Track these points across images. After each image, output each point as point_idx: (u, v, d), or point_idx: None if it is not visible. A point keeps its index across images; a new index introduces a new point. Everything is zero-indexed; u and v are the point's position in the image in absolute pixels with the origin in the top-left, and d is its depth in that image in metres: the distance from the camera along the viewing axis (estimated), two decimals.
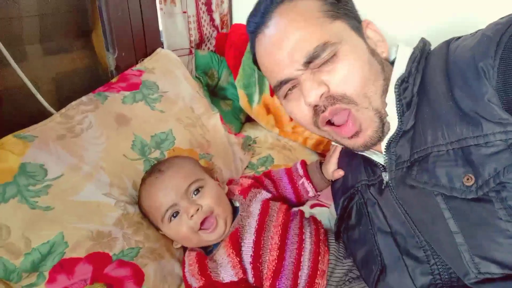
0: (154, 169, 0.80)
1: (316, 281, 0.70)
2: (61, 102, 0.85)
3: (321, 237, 0.76)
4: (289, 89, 0.65)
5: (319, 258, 0.72)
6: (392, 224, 0.64)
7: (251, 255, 0.71)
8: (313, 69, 0.60)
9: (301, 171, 0.86)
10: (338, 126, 0.62)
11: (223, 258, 0.72)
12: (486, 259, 0.50)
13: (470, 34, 0.59)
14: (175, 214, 0.74)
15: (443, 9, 1.06)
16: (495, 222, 0.49)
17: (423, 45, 0.66)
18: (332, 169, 0.81)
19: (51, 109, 0.84)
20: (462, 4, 1.03)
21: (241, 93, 1.31)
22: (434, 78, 0.59)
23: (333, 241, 0.78)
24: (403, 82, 0.61)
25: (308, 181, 0.84)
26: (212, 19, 1.38)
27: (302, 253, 0.72)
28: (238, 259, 0.70)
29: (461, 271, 0.53)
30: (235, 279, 0.69)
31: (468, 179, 0.51)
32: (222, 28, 1.44)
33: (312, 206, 1.06)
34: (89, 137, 0.81)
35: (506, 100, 0.50)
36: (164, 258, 0.77)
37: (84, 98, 0.87)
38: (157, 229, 0.80)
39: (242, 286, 0.69)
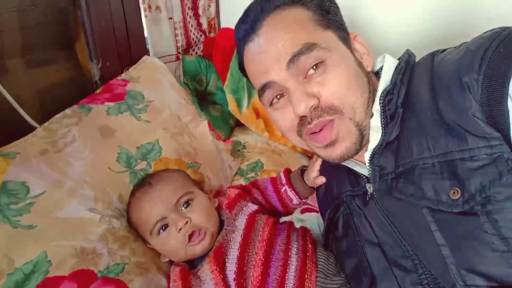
0: (144, 182, 0.79)
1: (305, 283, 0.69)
2: (46, 115, 0.85)
3: (308, 253, 0.75)
4: (276, 97, 0.64)
5: (306, 276, 0.71)
6: (378, 234, 0.64)
7: (234, 271, 0.70)
8: (300, 77, 0.60)
9: (283, 179, 0.85)
10: (315, 133, 0.62)
11: (206, 275, 0.71)
12: (472, 272, 0.50)
13: (455, 47, 0.59)
14: (164, 227, 0.74)
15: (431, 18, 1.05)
16: (481, 235, 0.49)
17: (408, 56, 0.66)
18: (314, 176, 0.80)
19: (34, 123, 0.83)
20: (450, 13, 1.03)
21: (229, 98, 1.30)
22: (419, 90, 0.59)
23: (322, 257, 0.76)
24: (388, 93, 0.60)
25: (291, 189, 0.83)
26: (199, 24, 1.37)
27: (288, 270, 0.71)
28: (221, 276, 0.69)
29: (447, 282, 0.53)
30: None
31: (454, 193, 0.51)
32: (210, 32, 1.43)
33: (302, 211, 1.06)
34: (73, 151, 0.80)
35: (490, 115, 0.50)
36: (151, 272, 0.76)
37: (67, 111, 0.87)
38: (145, 242, 0.79)
39: None
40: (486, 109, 0.50)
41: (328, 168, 0.80)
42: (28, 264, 0.65)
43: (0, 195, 0.67)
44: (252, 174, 1.15)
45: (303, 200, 0.86)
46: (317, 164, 0.80)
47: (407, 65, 0.64)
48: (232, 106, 1.31)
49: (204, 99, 1.38)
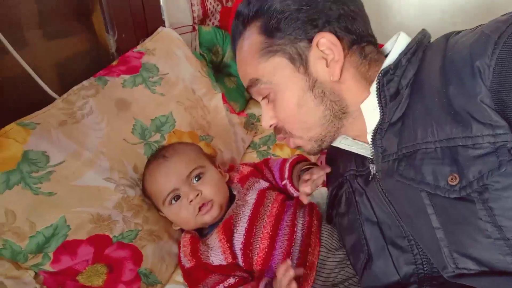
0: (158, 155, 0.83)
1: (305, 271, 0.72)
2: (63, 87, 0.87)
3: (313, 229, 0.77)
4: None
5: (309, 249, 0.74)
6: (378, 214, 0.65)
7: (242, 242, 0.74)
8: (260, 97, 0.69)
9: (286, 173, 0.87)
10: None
11: (214, 243, 0.75)
12: (464, 256, 0.52)
13: (470, 29, 0.57)
14: (176, 198, 0.79)
15: None
16: (476, 221, 0.50)
17: (422, 36, 0.64)
18: (303, 191, 0.75)
19: (54, 94, 0.86)
20: None
21: None
22: (429, 73, 0.58)
23: (326, 233, 0.79)
24: (386, 73, 0.60)
25: (291, 184, 0.85)
26: None
27: (293, 244, 0.74)
28: (229, 245, 0.74)
29: (440, 264, 0.55)
30: (224, 263, 0.73)
31: (452, 179, 0.51)
32: (227, 2, 1.41)
33: None
34: (90, 122, 0.83)
35: (499, 101, 0.49)
36: (163, 239, 0.81)
37: (85, 83, 0.89)
38: (158, 210, 0.83)
39: (231, 268, 0.73)
40: (496, 95, 0.49)
41: (336, 149, 0.81)
42: (49, 228, 0.70)
43: (21, 163, 0.71)
44: (265, 148, 1.17)
45: None
46: (308, 189, 0.74)
47: (419, 46, 0.62)
48: None
49: (219, 70, 1.38)
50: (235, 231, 0.76)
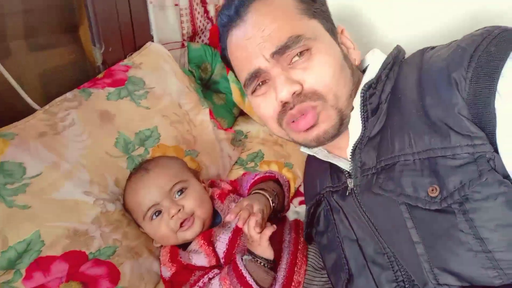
0: (141, 167, 0.81)
1: (294, 277, 0.70)
2: (47, 99, 0.86)
3: (300, 247, 0.76)
4: (258, 84, 0.65)
5: (295, 269, 0.72)
6: (356, 231, 0.64)
7: (224, 251, 0.73)
8: (284, 63, 0.60)
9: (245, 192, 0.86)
10: (296, 121, 0.62)
11: (194, 249, 0.74)
12: (445, 271, 0.50)
13: (445, 44, 0.58)
14: (157, 213, 0.76)
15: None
16: (456, 234, 0.49)
17: (397, 52, 0.65)
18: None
19: (36, 106, 0.85)
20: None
21: (233, 87, 1.30)
22: (406, 86, 0.58)
23: (312, 250, 0.77)
24: (370, 87, 0.61)
25: None
26: (206, 11, 1.36)
27: (279, 262, 0.72)
28: (211, 248, 0.72)
29: (421, 280, 0.53)
30: (207, 266, 0.71)
31: (433, 190, 0.51)
32: (216, 20, 1.42)
33: (300, 203, 1.06)
34: (71, 134, 0.81)
35: (476, 113, 0.49)
36: (142, 256, 0.78)
37: (68, 94, 0.88)
38: (139, 226, 0.81)
39: (215, 267, 0.71)
40: (473, 107, 0.49)
41: (313, 166, 0.80)
42: (22, 243, 0.67)
43: None
44: (252, 164, 1.15)
45: (279, 215, 0.86)
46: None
47: (395, 61, 0.63)
48: (235, 95, 1.31)
49: (208, 87, 1.38)
50: (217, 239, 0.74)
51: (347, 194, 0.65)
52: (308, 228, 0.75)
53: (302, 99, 0.60)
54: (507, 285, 0.47)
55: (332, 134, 0.62)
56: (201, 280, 0.68)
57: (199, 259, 0.72)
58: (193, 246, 0.75)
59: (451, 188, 0.49)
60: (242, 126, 1.34)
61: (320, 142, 0.63)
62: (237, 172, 1.12)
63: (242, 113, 1.42)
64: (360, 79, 0.65)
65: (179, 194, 0.78)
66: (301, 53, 0.60)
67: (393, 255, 0.58)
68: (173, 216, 0.74)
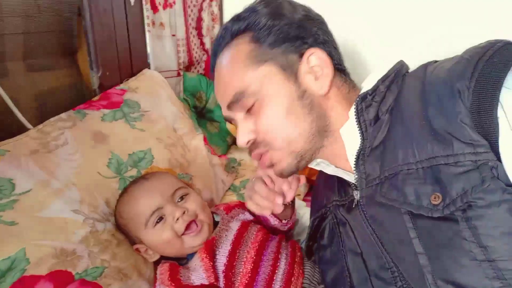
0: (138, 179, 0.82)
1: None
2: (42, 119, 0.86)
3: (296, 259, 0.75)
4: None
5: (292, 279, 0.71)
6: (361, 244, 0.63)
7: (224, 264, 0.71)
8: (242, 111, 0.66)
9: None
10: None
11: (195, 264, 0.72)
12: (449, 282, 0.49)
13: (449, 58, 0.60)
14: (159, 219, 0.75)
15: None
16: (460, 242, 0.48)
17: (400, 66, 0.67)
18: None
19: (28, 125, 0.84)
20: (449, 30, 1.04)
21: None
22: (409, 97, 0.59)
23: (308, 265, 0.77)
24: (364, 98, 0.62)
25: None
26: (202, 43, 1.40)
27: (276, 271, 0.71)
28: (211, 263, 0.70)
29: None
30: (206, 282, 0.68)
31: (435, 198, 0.50)
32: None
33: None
34: (63, 153, 0.81)
35: (479, 122, 0.50)
36: (131, 278, 0.75)
37: (63, 115, 0.88)
38: (133, 242, 0.79)
39: (213, 287, 0.68)
40: (476, 116, 0.50)
41: (322, 180, 0.80)
42: (6, 260, 0.64)
43: None
44: (245, 191, 1.14)
45: (284, 221, 0.85)
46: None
47: (398, 74, 0.65)
48: (229, 124, 1.32)
49: (202, 116, 1.39)
50: (217, 252, 0.73)
51: (353, 206, 0.65)
52: (310, 241, 0.74)
53: (255, 146, 0.67)
54: None
55: (290, 171, 0.67)
56: None
57: (198, 276, 0.70)
58: (194, 260, 0.73)
59: (453, 195, 0.49)
60: (236, 154, 1.34)
61: (285, 176, 0.69)
62: (230, 198, 1.11)
63: (234, 142, 1.42)
64: (325, 107, 0.65)
65: (180, 199, 0.78)
66: (253, 105, 0.65)
67: (397, 270, 0.57)
68: (178, 218, 0.74)
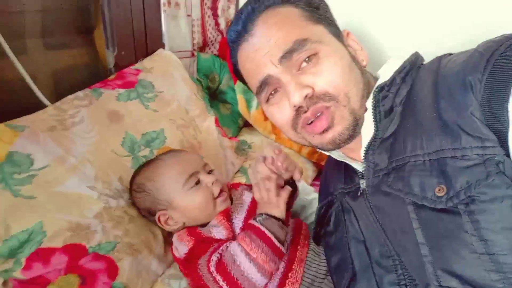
0: (166, 152, 0.87)
1: (293, 266, 0.72)
2: (58, 96, 0.88)
3: (302, 231, 0.79)
4: (271, 93, 0.66)
5: (298, 247, 0.75)
6: (364, 232, 0.64)
7: (240, 228, 0.76)
8: (293, 70, 0.62)
9: None
10: (311, 123, 0.63)
11: (215, 224, 0.77)
12: (448, 273, 0.50)
13: (464, 51, 0.60)
14: (196, 183, 0.80)
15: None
16: (461, 235, 0.49)
17: (415, 58, 0.67)
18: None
19: (47, 102, 0.87)
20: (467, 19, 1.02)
21: (240, 97, 1.32)
22: (422, 90, 0.59)
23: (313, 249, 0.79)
24: (382, 89, 0.62)
25: None
26: (217, 24, 1.40)
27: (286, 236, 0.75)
28: (229, 223, 0.76)
29: (423, 282, 0.53)
30: (224, 238, 0.74)
31: (440, 190, 0.51)
32: (227, 33, 1.46)
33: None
34: (80, 131, 0.83)
35: (489, 116, 0.50)
36: (142, 254, 0.78)
37: (79, 93, 0.90)
38: (153, 212, 0.81)
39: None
40: (486, 109, 0.50)
41: (330, 168, 0.82)
42: (24, 232, 0.67)
43: (4, 164, 0.70)
44: (249, 170, 1.16)
45: None
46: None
47: (413, 66, 0.65)
48: (241, 106, 1.33)
49: (215, 97, 1.40)
50: (233, 218, 0.78)
51: (358, 195, 0.65)
52: (317, 227, 0.76)
53: (315, 101, 0.61)
54: None
55: (347, 136, 0.63)
56: (220, 248, 0.70)
57: (218, 232, 0.75)
58: (212, 222, 0.78)
59: (457, 188, 0.49)
60: (247, 136, 1.36)
61: (336, 144, 0.64)
62: (239, 180, 1.13)
63: (246, 124, 1.44)
64: (371, 80, 0.67)
65: (209, 172, 0.85)
66: (308, 58, 0.62)
67: (398, 259, 0.58)
68: (213, 183, 0.80)
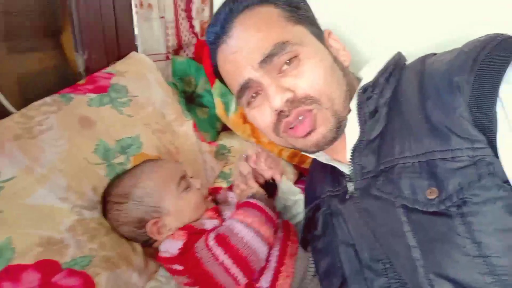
0: (143, 162, 0.84)
1: (285, 261, 0.72)
2: (25, 103, 0.82)
3: (290, 229, 0.80)
4: (252, 96, 0.64)
5: (288, 242, 0.76)
6: (354, 235, 0.63)
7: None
8: (274, 72, 0.60)
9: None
10: (293, 127, 0.61)
11: (206, 218, 0.79)
12: (441, 276, 0.49)
13: (448, 50, 0.59)
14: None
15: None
16: (453, 237, 0.48)
17: (398, 58, 0.66)
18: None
19: (12, 109, 0.81)
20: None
21: (217, 101, 1.29)
22: (407, 90, 0.58)
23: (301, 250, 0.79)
24: (366, 90, 0.61)
25: None
26: (191, 26, 1.37)
27: (277, 230, 0.76)
28: (221, 218, 0.78)
29: (415, 286, 0.52)
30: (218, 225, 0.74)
31: (431, 192, 0.50)
32: (202, 36, 1.43)
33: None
34: (48, 138, 0.78)
35: (477, 117, 0.49)
36: (120, 268, 0.74)
37: (47, 99, 0.85)
38: (136, 227, 0.77)
39: None
40: (474, 110, 0.49)
41: (315, 171, 0.80)
42: None
43: None
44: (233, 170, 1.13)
45: None
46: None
47: (396, 67, 0.64)
48: (219, 110, 1.30)
49: (192, 101, 1.37)
50: (224, 214, 0.80)
51: (346, 198, 0.64)
52: (305, 232, 0.74)
53: (296, 104, 0.59)
54: None
55: (330, 138, 0.61)
56: (215, 230, 0.70)
57: (211, 223, 0.75)
58: (203, 217, 0.79)
59: (449, 191, 0.48)
60: (226, 140, 1.33)
61: (320, 147, 0.62)
62: (220, 185, 1.10)
63: (225, 128, 1.41)
64: (353, 81, 0.66)
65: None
66: (289, 61, 0.60)
67: (388, 262, 0.57)
68: (201, 184, 0.83)
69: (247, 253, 0.66)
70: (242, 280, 0.66)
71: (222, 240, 0.67)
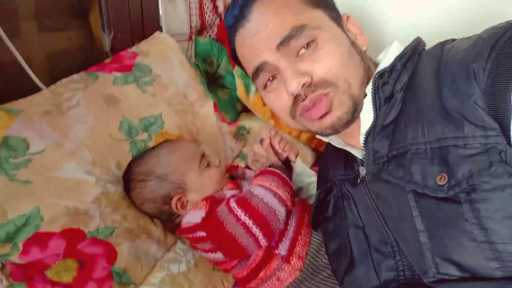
0: (164, 142, 0.87)
1: (302, 230, 0.76)
2: (53, 79, 0.86)
3: (305, 203, 0.83)
4: (269, 80, 0.65)
5: (305, 214, 0.79)
6: (363, 218, 0.64)
7: None
8: (291, 56, 0.61)
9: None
10: (309, 110, 0.62)
11: (227, 189, 0.82)
12: (447, 260, 0.50)
13: (467, 37, 0.58)
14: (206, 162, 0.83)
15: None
16: (461, 223, 0.49)
17: (417, 43, 0.65)
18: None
19: (42, 85, 0.85)
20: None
21: (238, 82, 1.30)
22: (424, 76, 0.58)
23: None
24: (382, 75, 0.61)
25: None
26: (215, 6, 1.37)
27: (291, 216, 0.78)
28: (240, 189, 0.81)
29: (421, 269, 0.53)
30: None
31: (441, 178, 0.50)
32: (224, 18, 1.43)
33: None
34: (76, 115, 0.82)
35: (492, 104, 0.49)
36: (140, 239, 0.78)
37: (75, 76, 0.88)
38: (161, 204, 0.80)
39: None
40: (489, 98, 0.49)
41: (329, 154, 0.81)
42: (21, 217, 0.67)
43: (0, 148, 0.69)
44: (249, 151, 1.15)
45: None
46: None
47: (414, 52, 0.63)
48: (240, 91, 1.31)
49: (213, 81, 1.38)
50: (243, 186, 0.83)
51: (358, 182, 0.65)
52: (316, 214, 0.76)
53: (313, 89, 0.60)
54: (508, 277, 0.46)
55: (346, 120, 0.62)
56: (236, 196, 0.74)
57: (232, 193, 0.78)
58: (224, 189, 0.82)
59: (459, 177, 0.49)
60: (245, 122, 1.34)
61: (335, 129, 0.63)
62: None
63: (245, 109, 1.42)
64: (371, 66, 0.66)
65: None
66: (307, 45, 0.61)
67: (396, 245, 0.58)
68: (220, 161, 0.86)
69: (267, 213, 0.69)
70: (263, 241, 0.69)
71: (243, 201, 0.70)
